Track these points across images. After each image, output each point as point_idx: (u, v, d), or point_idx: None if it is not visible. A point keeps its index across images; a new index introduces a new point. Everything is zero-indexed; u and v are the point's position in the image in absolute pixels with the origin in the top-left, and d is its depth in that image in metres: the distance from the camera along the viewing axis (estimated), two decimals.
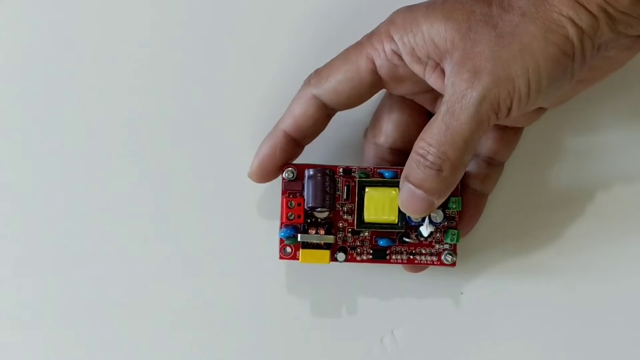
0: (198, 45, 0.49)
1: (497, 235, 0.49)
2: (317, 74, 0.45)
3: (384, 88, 0.46)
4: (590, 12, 0.40)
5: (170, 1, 0.49)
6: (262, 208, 0.49)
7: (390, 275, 0.49)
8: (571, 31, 0.40)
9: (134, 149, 0.49)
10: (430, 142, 0.42)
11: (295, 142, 0.46)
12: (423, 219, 0.46)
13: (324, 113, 0.46)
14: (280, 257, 0.46)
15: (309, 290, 0.49)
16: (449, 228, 0.46)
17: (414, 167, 0.42)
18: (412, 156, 0.43)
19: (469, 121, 0.41)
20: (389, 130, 0.47)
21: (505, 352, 0.49)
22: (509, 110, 0.41)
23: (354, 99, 0.45)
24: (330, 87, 0.45)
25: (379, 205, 0.46)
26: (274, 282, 0.49)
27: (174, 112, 0.49)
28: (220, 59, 0.49)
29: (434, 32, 0.42)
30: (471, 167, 0.47)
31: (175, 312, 0.49)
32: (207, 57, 0.49)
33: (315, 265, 0.47)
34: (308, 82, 0.46)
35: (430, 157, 0.42)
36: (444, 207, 0.46)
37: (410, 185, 0.43)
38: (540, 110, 0.47)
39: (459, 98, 0.41)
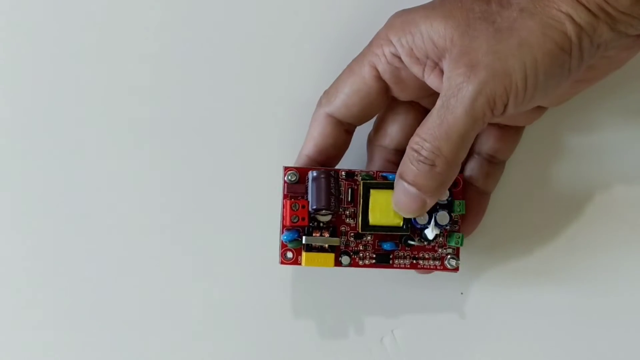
0: (206, 50, 0.49)
1: (498, 235, 0.49)
2: (326, 93, 0.46)
3: (392, 95, 0.45)
4: (589, 10, 0.40)
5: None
6: (264, 212, 0.48)
7: (390, 276, 0.49)
8: (569, 27, 0.40)
9: (137, 151, 0.49)
10: (424, 137, 0.41)
11: (322, 165, 0.46)
12: (429, 222, 0.45)
13: (341, 129, 0.46)
14: (282, 262, 0.45)
15: (309, 290, 0.49)
16: (452, 232, 0.46)
17: (407, 163, 0.42)
18: (407, 152, 0.42)
19: (464, 116, 0.40)
20: (394, 132, 0.47)
21: (506, 353, 0.49)
22: (505, 106, 0.41)
23: (366, 111, 0.45)
24: (340, 103, 0.45)
25: (384, 208, 0.45)
26: (274, 281, 0.49)
27: (176, 114, 0.49)
28: (223, 58, 0.49)
29: (434, 31, 0.42)
30: (473, 165, 0.47)
31: (176, 315, 0.49)
32: (209, 58, 0.49)
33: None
34: (319, 103, 0.46)
35: (424, 152, 0.41)
36: (449, 209, 0.45)
37: (404, 183, 0.43)
38: (541, 109, 0.47)
39: (454, 92, 0.40)
